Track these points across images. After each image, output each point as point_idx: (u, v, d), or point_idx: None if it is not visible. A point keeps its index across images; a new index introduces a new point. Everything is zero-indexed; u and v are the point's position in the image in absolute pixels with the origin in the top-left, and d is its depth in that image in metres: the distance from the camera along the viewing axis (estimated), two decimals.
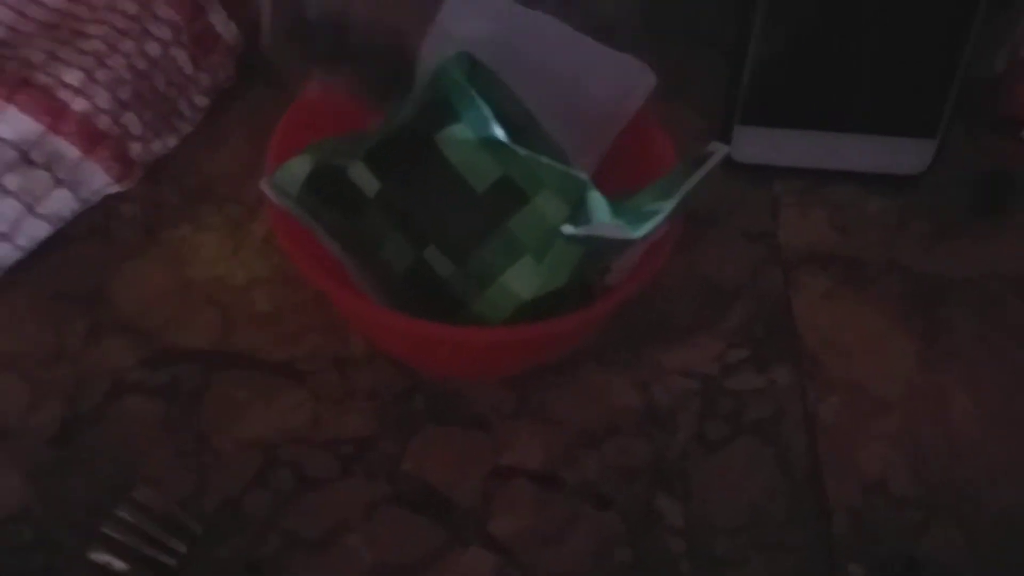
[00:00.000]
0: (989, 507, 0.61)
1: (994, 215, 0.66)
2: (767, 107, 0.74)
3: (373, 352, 0.65)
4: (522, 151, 0.57)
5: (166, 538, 0.55)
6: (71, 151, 0.69)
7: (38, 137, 0.67)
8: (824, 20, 0.71)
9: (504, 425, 0.63)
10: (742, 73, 0.72)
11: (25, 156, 0.67)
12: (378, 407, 0.63)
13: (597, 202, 0.57)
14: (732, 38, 0.72)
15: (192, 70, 0.76)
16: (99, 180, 0.70)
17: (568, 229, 0.53)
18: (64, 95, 0.68)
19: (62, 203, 0.69)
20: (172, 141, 0.75)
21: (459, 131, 0.58)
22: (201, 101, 0.77)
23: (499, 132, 0.58)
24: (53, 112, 0.68)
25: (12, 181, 0.66)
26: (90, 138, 0.69)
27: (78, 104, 0.68)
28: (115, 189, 0.72)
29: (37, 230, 0.68)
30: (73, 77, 0.69)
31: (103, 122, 0.70)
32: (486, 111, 0.59)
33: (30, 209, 0.67)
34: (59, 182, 0.68)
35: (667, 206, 0.56)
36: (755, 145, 0.75)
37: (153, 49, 0.73)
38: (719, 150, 0.58)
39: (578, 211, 0.57)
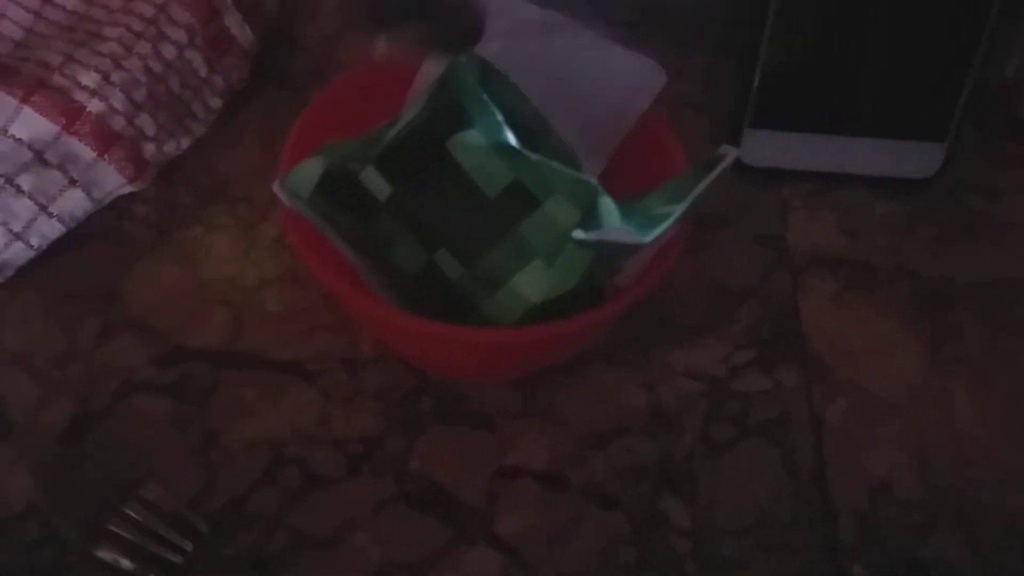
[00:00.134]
0: (995, 510, 0.61)
1: None
2: (777, 110, 0.74)
3: (381, 352, 0.66)
4: (534, 156, 0.58)
5: (173, 536, 0.56)
6: (86, 152, 0.69)
7: (53, 138, 0.68)
8: (835, 24, 0.71)
9: (511, 425, 0.63)
10: (753, 76, 0.72)
11: (39, 156, 0.68)
12: (386, 407, 0.63)
13: (608, 207, 0.57)
14: (743, 41, 0.72)
15: (207, 72, 0.77)
16: (113, 181, 0.71)
17: (579, 234, 0.53)
18: (80, 96, 0.69)
19: (76, 203, 0.69)
20: (186, 142, 0.76)
21: (472, 137, 0.58)
22: (215, 103, 0.78)
23: (511, 137, 0.59)
24: (69, 113, 0.68)
25: (26, 181, 0.67)
26: (105, 139, 0.70)
27: (94, 105, 0.69)
28: (128, 189, 0.72)
29: (50, 230, 0.69)
30: (89, 79, 0.69)
31: (118, 123, 0.70)
32: (498, 116, 0.59)
33: (44, 209, 0.68)
34: (73, 182, 0.69)
35: (678, 210, 0.56)
36: (765, 148, 0.75)
37: (168, 51, 0.74)
38: (730, 153, 0.58)
39: (589, 216, 0.57)
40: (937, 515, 0.60)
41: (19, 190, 0.67)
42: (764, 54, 0.71)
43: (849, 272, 0.72)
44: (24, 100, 0.67)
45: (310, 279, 0.66)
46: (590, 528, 0.59)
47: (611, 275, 0.59)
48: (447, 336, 0.57)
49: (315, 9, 0.82)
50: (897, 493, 0.61)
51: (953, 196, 0.76)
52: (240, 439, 0.62)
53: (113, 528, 0.55)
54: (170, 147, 0.75)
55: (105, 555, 0.55)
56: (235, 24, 0.78)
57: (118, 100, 0.70)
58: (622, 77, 0.67)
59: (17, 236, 0.67)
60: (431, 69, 0.64)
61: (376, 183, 0.58)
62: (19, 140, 0.67)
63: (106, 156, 0.70)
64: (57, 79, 0.69)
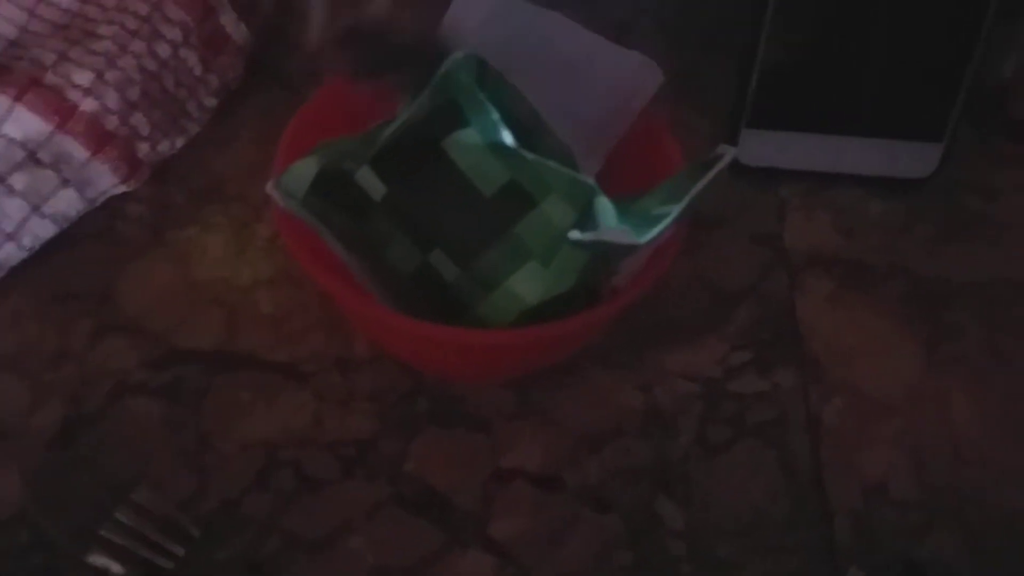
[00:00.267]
0: (991, 511, 0.60)
1: None
2: (775, 110, 0.73)
3: (376, 354, 0.65)
4: (530, 156, 0.58)
5: (165, 541, 0.55)
6: (79, 151, 0.69)
7: (46, 137, 0.68)
8: (833, 24, 0.71)
9: (505, 427, 0.63)
10: (751, 76, 0.72)
11: (32, 156, 0.67)
12: (380, 409, 0.63)
13: (604, 207, 0.57)
14: (741, 41, 0.72)
15: (201, 71, 0.76)
16: (106, 180, 0.71)
17: (575, 235, 0.53)
18: (73, 95, 0.68)
19: (68, 203, 0.69)
20: (180, 142, 0.76)
21: (468, 136, 0.58)
22: (210, 102, 0.78)
23: (507, 137, 0.58)
24: (62, 112, 0.68)
25: (19, 181, 0.67)
26: (98, 138, 0.69)
27: (87, 104, 0.69)
28: (122, 189, 0.72)
29: (43, 230, 0.68)
30: (83, 78, 0.69)
31: (111, 122, 0.70)
32: (495, 115, 0.59)
33: (36, 209, 0.67)
34: (66, 182, 0.69)
35: (675, 210, 0.56)
36: (762, 148, 0.75)
37: (163, 50, 0.73)
38: (727, 153, 0.57)
39: (585, 216, 0.57)
40: (934, 516, 0.60)
41: (11, 190, 0.67)
42: (762, 53, 0.71)
43: (846, 272, 0.71)
44: (17, 99, 0.67)
45: (304, 279, 0.66)
46: (585, 530, 0.59)
47: (607, 275, 0.58)
48: (442, 337, 0.57)
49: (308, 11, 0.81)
50: (893, 494, 0.61)
51: (950, 196, 0.76)
52: (233, 441, 0.61)
53: (104, 533, 0.55)
54: (164, 146, 0.74)
55: (96, 560, 0.54)
56: (230, 22, 0.78)
57: (112, 99, 0.70)
58: (619, 76, 0.67)
59: (9, 236, 0.67)
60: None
61: (371, 183, 0.58)
62: (11, 139, 0.67)
63: (99, 155, 0.70)
64: (50, 78, 0.68)
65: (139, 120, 0.72)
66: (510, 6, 0.66)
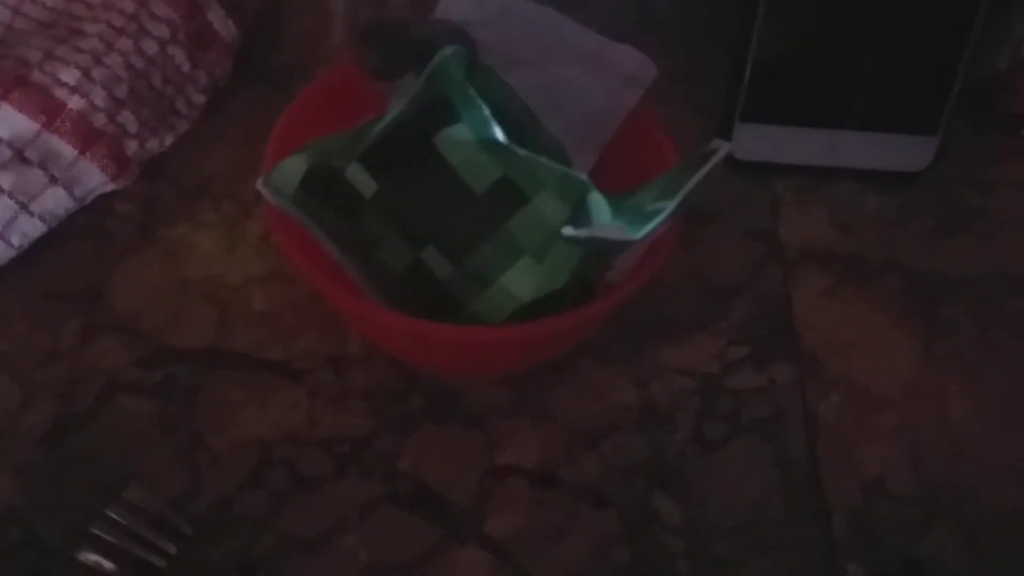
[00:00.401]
0: (989, 507, 0.60)
1: None
2: (768, 104, 0.73)
3: (370, 351, 0.65)
4: (522, 151, 0.57)
5: (157, 539, 0.55)
6: (66, 149, 0.68)
7: (33, 135, 0.67)
8: (826, 17, 0.71)
9: (501, 424, 0.62)
10: (743, 70, 0.72)
11: (20, 154, 0.67)
12: (374, 406, 0.63)
13: (597, 203, 0.57)
14: (733, 35, 0.72)
15: (189, 68, 0.76)
16: (95, 179, 0.70)
17: (568, 231, 0.53)
18: (60, 93, 0.68)
19: (57, 202, 0.68)
20: (169, 139, 0.75)
21: (459, 132, 0.57)
22: (198, 99, 0.77)
23: (499, 132, 0.58)
24: (49, 110, 0.67)
25: (6, 179, 0.66)
26: (86, 136, 0.69)
27: (74, 102, 0.68)
28: (111, 188, 0.71)
29: (31, 229, 0.67)
30: (70, 75, 0.68)
31: (99, 120, 0.69)
32: (486, 111, 0.58)
33: (24, 208, 0.67)
34: (54, 180, 0.68)
35: (669, 205, 0.55)
36: (756, 142, 0.74)
37: (150, 47, 0.73)
38: (722, 147, 0.57)
39: (578, 212, 0.56)
40: (932, 512, 0.60)
41: None
42: (755, 47, 0.71)
43: (841, 266, 0.71)
44: (3, 97, 0.66)
45: (296, 277, 0.65)
46: (582, 527, 0.59)
47: (601, 272, 0.58)
48: (436, 334, 0.57)
49: (299, 6, 0.81)
50: (891, 489, 0.61)
51: (945, 191, 0.76)
52: (226, 440, 0.61)
53: (96, 531, 0.54)
54: (153, 144, 0.74)
55: (88, 559, 0.54)
56: (218, 19, 0.77)
57: (99, 97, 0.69)
58: (612, 71, 0.66)
59: None
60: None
61: (362, 180, 0.58)
62: None
63: (87, 154, 0.69)
64: (37, 76, 0.68)
65: (127, 118, 0.71)
66: (503, 0, 0.66)
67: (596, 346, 0.66)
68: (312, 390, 0.63)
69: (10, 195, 0.66)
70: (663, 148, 0.64)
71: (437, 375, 0.64)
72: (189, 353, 0.65)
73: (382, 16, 0.63)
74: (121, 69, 0.71)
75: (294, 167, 0.57)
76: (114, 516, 0.55)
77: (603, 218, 0.56)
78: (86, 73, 0.69)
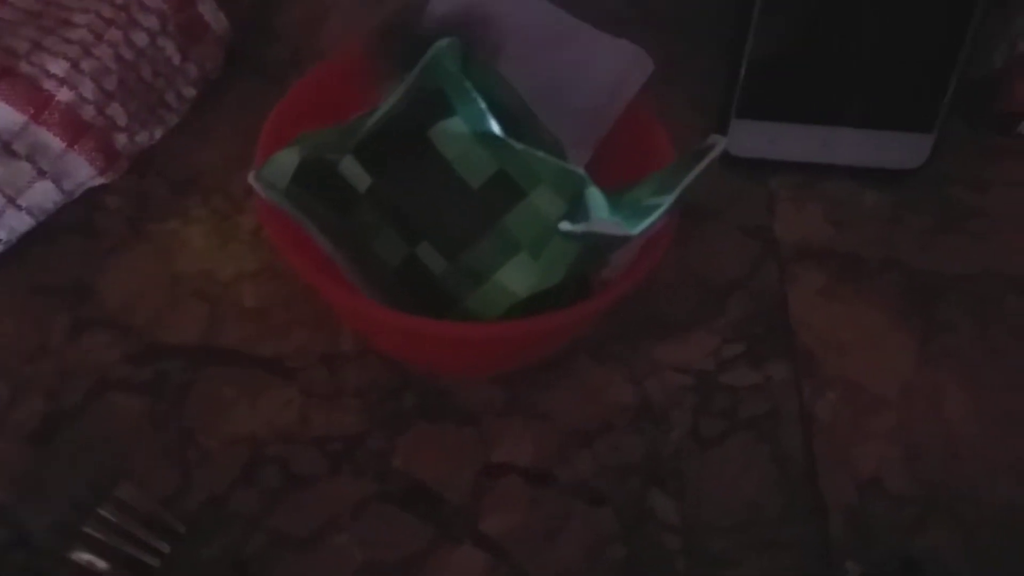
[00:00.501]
0: (986, 505, 0.60)
1: None
2: (764, 101, 0.73)
3: (363, 348, 0.64)
4: (518, 145, 0.57)
5: (149, 537, 0.54)
6: (55, 142, 0.68)
7: (21, 128, 0.66)
8: (823, 14, 0.70)
9: (495, 422, 0.62)
10: (739, 67, 0.71)
11: (7, 147, 0.66)
12: (367, 404, 0.62)
13: (595, 198, 0.56)
14: (730, 31, 0.71)
15: (180, 60, 0.75)
16: (83, 172, 0.69)
17: (565, 226, 0.52)
18: (49, 85, 0.67)
19: (45, 195, 0.68)
20: (158, 132, 0.74)
21: (454, 125, 0.57)
22: (188, 92, 0.76)
23: (495, 126, 0.57)
24: (37, 102, 0.67)
25: None
26: (74, 129, 0.68)
27: (63, 94, 0.67)
28: (100, 181, 0.70)
29: (19, 223, 0.67)
30: (58, 67, 0.68)
31: (88, 113, 0.69)
32: (481, 104, 0.58)
33: (12, 201, 0.66)
34: (42, 174, 0.67)
35: (666, 201, 0.55)
36: (752, 139, 0.74)
37: (140, 39, 0.72)
38: (718, 143, 0.57)
39: (575, 207, 0.56)
40: (928, 510, 0.60)
41: None
42: (751, 44, 0.70)
43: (837, 264, 0.71)
44: None
45: (288, 273, 0.65)
46: (578, 525, 0.58)
47: (598, 268, 0.58)
48: (431, 331, 0.56)
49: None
50: (888, 488, 0.61)
51: (940, 189, 0.76)
52: (218, 438, 0.60)
53: (87, 530, 0.54)
54: (142, 137, 0.73)
55: (79, 557, 0.53)
56: (209, 11, 0.77)
57: (88, 89, 0.69)
58: (608, 64, 0.66)
59: None
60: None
61: (355, 173, 0.57)
62: None
63: (76, 147, 0.68)
64: (24, 67, 0.67)
65: (116, 110, 0.70)
66: None
67: (591, 343, 0.65)
68: (305, 387, 0.63)
69: None
70: (660, 143, 0.64)
71: (430, 373, 0.64)
72: (180, 349, 0.64)
73: (391, 18, 0.63)
74: (110, 61, 0.70)
75: (286, 161, 0.57)
76: (106, 515, 0.54)
77: (600, 213, 0.55)
78: (75, 64, 0.68)
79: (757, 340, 0.66)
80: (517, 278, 0.56)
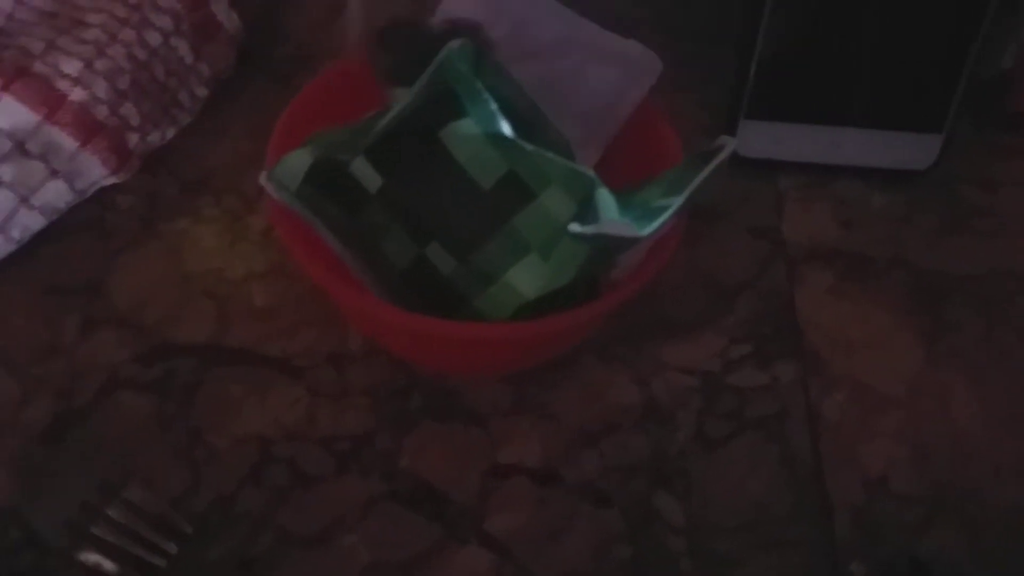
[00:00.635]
0: (993, 505, 0.60)
1: None
2: (773, 101, 0.73)
3: (370, 348, 0.65)
4: (529, 146, 0.57)
5: (157, 538, 0.55)
6: (67, 142, 0.68)
7: (34, 127, 0.67)
8: (832, 14, 0.70)
9: (502, 422, 0.62)
10: (749, 67, 0.71)
11: (20, 146, 0.66)
12: (375, 404, 0.62)
13: (605, 199, 0.56)
14: (738, 32, 0.71)
15: (192, 60, 0.75)
16: (96, 171, 0.70)
17: (575, 227, 0.52)
18: (62, 85, 0.68)
19: (57, 194, 0.68)
20: (171, 132, 0.75)
21: (465, 127, 0.57)
22: (201, 91, 0.77)
23: (506, 127, 0.57)
24: (50, 102, 0.67)
25: (6, 172, 0.66)
26: (87, 128, 0.68)
27: (76, 94, 0.68)
28: (112, 181, 0.71)
29: (32, 222, 0.67)
30: (72, 67, 0.68)
31: (101, 112, 0.69)
32: (492, 105, 0.58)
33: (24, 200, 0.67)
34: (55, 173, 0.68)
35: (676, 202, 0.55)
36: (760, 139, 0.74)
37: (153, 38, 0.73)
38: (728, 144, 0.57)
39: (585, 208, 0.56)
40: (935, 510, 0.60)
41: None
42: (761, 44, 0.70)
43: (845, 264, 0.71)
44: (4, 88, 0.66)
45: (297, 273, 0.65)
46: (583, 526, 0.58)
47: (606, 269, 0.58)
48: (441, 332, 0.56)
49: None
50: (894, 488, 0.61)
51: (949, 188, 0.76)
52: (226, 437, 0.60)
53: (96, 531, 0.54)
54: (155, 137, 0.73)
55: (88, 558, 0.54)
56: (222, 11, 0.77)
57: (101, 89, 0.69)
58: (618, 66, 0.66)
59: None
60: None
61: (367, 174, 0.57)
62: None
63: (89, 146, 0.69)
64: (38, 67, 0.67)
65: (129, 110, 0.71)
66: None
67: (597, 344, 0.65)
68: (312, 387, 0.63)
69: (10, 188, 0.66)
70: (669, 144, 0.64)
71: (437, 373, 0.64)
72: (189, 349, 0.64)
73: (396, 17, 0.63)
74: (124, 60, 0.70)
75: (298, 161, 0.57)
76: (114, 515, 0.55)
77: (610, 214, 0.55)
78: (88, 64, 0.69)
79: (764, 340, 0.66)
80: (527, 279, 0.57)
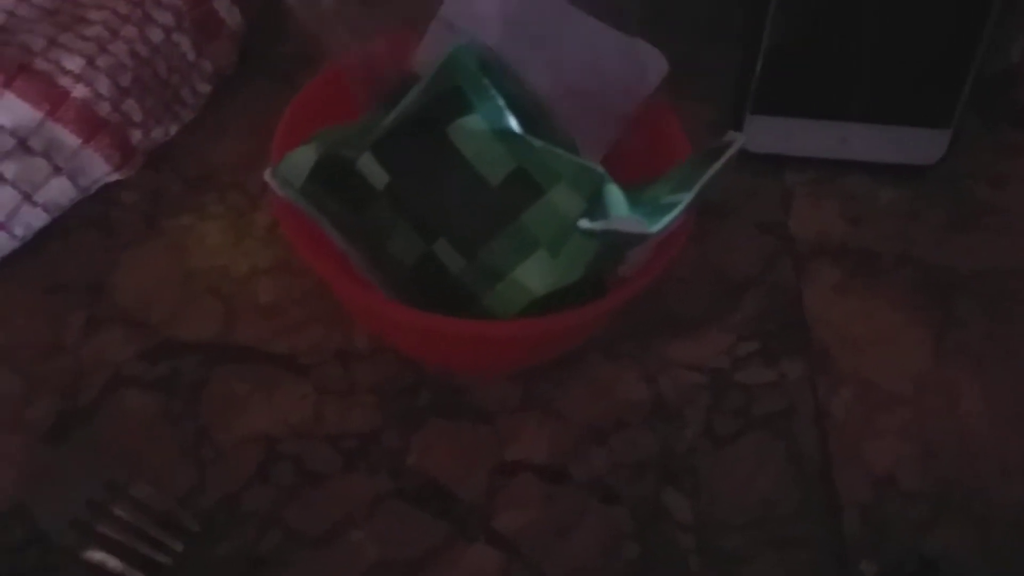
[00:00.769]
0: (1001, 503, 0.60)
1: None
2: (780, 96, 0.73)
3: (377, 346, 0.64)
4: (537, 143, 0.56)
5: (163, 536, 0.54)
6: (70, 138, 0.68)
7: (37, 124, 0.66)
8: (839, 8, 0.70)
9: (509, 419, 0.62)
10: (755, 62, 0.71)
11: (23, 143, 0.66)
12: (381, 401, 0.62)
13: (614, 195, 0.56)
14: (743, 27, 0.71)
15: (195, 57, 0.75)
16: (99, 168, 0.69)
17: (584, 224, 0.52)
18: (64, 81, 0.67)
19: (61, 191, 0.68)
20: (173, 128, 0.74)
21: (473, 122, 0.56)
22: (203, 88, 0.76)
23: (513, 123, 0.57)
24: (52, 99, 0.67)
25: (9, 169, 0.65)
26: (90, 125, 0.68)
27: (78, 91, 0.67)
28: (115, 177, 0.71)
29: (35, 219, 0.67)
30: (74, 63, 0.68)
31: (103, 109, 0.69)
32: (500, 101, 0.58)
33: (27, 198, 0.66)
34: (58, 170, 0.67)
35: (685, 198, 0.55)
36: (767, 135, 0.74)
37: (155, 35, 0.72)
38: (737, 140, 0.57)
39: (594, 205, 0.55)
40: (943, 508, 0.59)
41: (2, 178, 0.65)
42: (767, 39, 0.70)
43: (853, 260, 0.71)
44: (6, 85, 0.66)
45: (303, 270, 0.65)
46: (592, 523, 0.58)
47: (614, 265, 0.57)
48: (449, 329, 0.56)
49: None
50: (902, 485, 0.60)
51: (957, 184, 0.75)
52: (232, 435, 0.60)
53: (101, 529, 0.54)
54: (158, 133, 0.73)
55: (93, 556, 0.53)
56: (223, 7, 0.77)
57: (103, 85, 0.69)
58: (623, 64, 0.66)
59: (0, 226, 0.65)
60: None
61: (373, 171, 0.57)
62: (1, 127, 0.66)
63: (91, 143, 0.68)
64: (40, 63, 0.67)
65: (131, 107, 0.70)
66: None
67: (603, 341, 0.65)
68: (319, 384, 0.63)
69: (13, 185, 0.66)
70: (677, 140, 0.64)
71: (445, 370, 0.64)
72: (194, 346, 0.64)
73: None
74: (126, 57, 0.70)
75: (303, 158, 0.57)
76: (120, 513, 0.54)
77: (620, 211, 0.55)
78: (90, 61, 0.68)
79: (772, 337, 0.66)
80: (536, 276, 0.56)
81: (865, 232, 0.72)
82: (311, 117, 0.62)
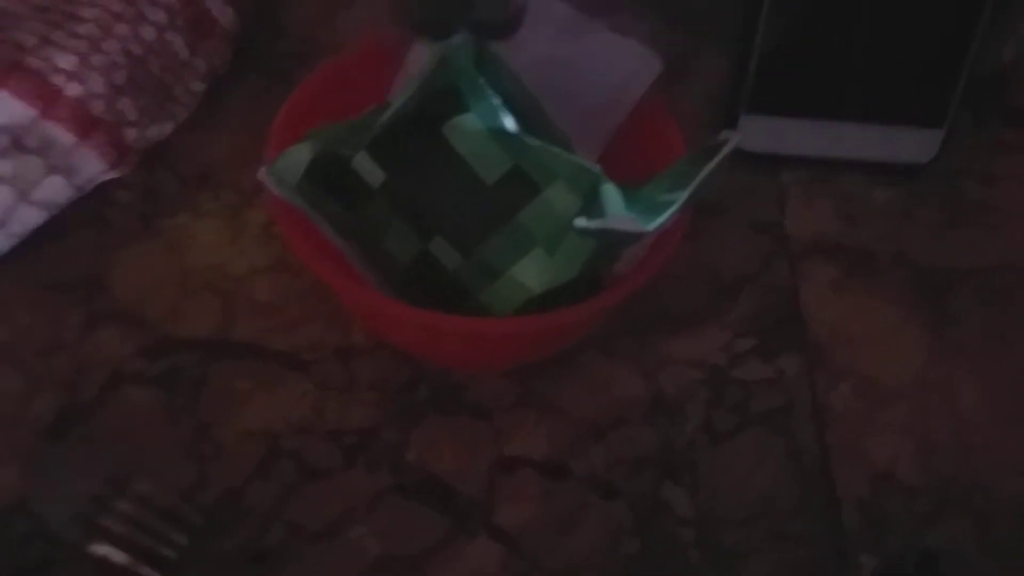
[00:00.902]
0: (1000, 498, 0.60)
1: None
2: (774, 95, 0.73)
3: (376, 342, 0.64)
4: (533, 141, 0.56)
5: (167, 530, 0.54)
6: (65, 137, 0.67)
7: (30, 122, 0.66)
8: (833, 8, 0.70)
9: (509, 415, 0.62)
10: (749, 61, 0.71)
11: (17, 142, 0.66)
12: (381, 397, 0.62)
13: (610, 194, 0.56)
14: (738, 26, 0.71)
15: (188, 55, 0.75)
16: (94, 166, 0.69)
17: (581, 222, 0.52)
18: (57, 80, 0.67)
19: (56, 190, 0.67)
20: (168, 127, 0.74)
21: (468, 121, 0.56)
22: (197, 86, 0.76)
23: (509, 122, 0.57)
24: (46, 97, 0.66)
25: (4, 167, 0.65)
26: (84, 124, 0.68)
27: (71, 89, 0.67)
28: (110, 176, 0.70)
29: (30, 217, 0.67)
30: (66, 61, 0.67)
31: (97, 107, 0.68)
32: (496, 100, 0.58)
33: (23, 196, 0.66)
34: (52, 168, 0.67)
35: (681, 197, 0.55)
36: (762, 134, 0.74)
37: (148, 33, 0.72)
38: (732, 139, 0.57)
39: (590, 203, 0.56)
40: (942, 503, 0.60)
41: None
42: (761, 38, 0.70)
43: (848, 258, 0.71)
44: None
45: (300, 267, 0.64)
46: (592, 518, 0.58)
47: (610, 263, 0.58)
48: (445, 326, 0.56)
49: None
50: (901, 480, 0.61)
51: (950, 182, 0.76)
52: (233, 431, 0.60)
53: (105, 523, 0.54)
54: (152, 132, 0.73)
55: (97, 550, 0.53)
56: (217, 5, 0.77)
57: (97, 83, 0.68)
58: (616, 65, 0.66)
59: None
60: (419, 53, 0.62)
61: (369, 169, 0.57)
62: None
63: (86, 141, 0.68)
64: (32, 61, 0.67)
65: (126, 105, 0.70)
66: None
67: (600, 339, 0.65)
68: (319, 381, 0.63)
69: (9, 183, 0.65)
70: (672, 139, 0.64)
71: (443, 367, 0.64)
72: (193, 343, 0.64)
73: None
74: (119, 55, 0.70)
75: (299, 156, 0.57)
76: (124, 508, 0.54)
77: (616, 209, 0.55)
78: (83, 59, 0.68)
79: (768, 334, 0.67)
80: (533, 273, 0.56)
81: (860, 230, 0.73)
82: (306, 115, 0.62)
